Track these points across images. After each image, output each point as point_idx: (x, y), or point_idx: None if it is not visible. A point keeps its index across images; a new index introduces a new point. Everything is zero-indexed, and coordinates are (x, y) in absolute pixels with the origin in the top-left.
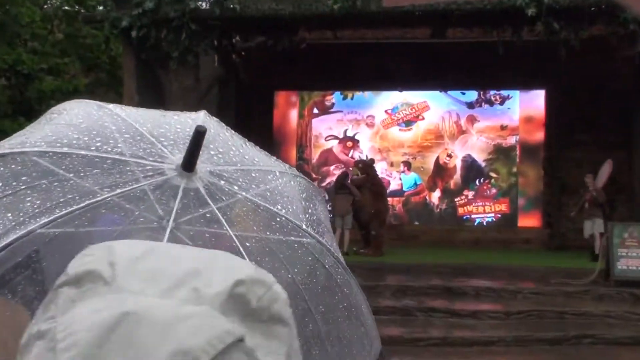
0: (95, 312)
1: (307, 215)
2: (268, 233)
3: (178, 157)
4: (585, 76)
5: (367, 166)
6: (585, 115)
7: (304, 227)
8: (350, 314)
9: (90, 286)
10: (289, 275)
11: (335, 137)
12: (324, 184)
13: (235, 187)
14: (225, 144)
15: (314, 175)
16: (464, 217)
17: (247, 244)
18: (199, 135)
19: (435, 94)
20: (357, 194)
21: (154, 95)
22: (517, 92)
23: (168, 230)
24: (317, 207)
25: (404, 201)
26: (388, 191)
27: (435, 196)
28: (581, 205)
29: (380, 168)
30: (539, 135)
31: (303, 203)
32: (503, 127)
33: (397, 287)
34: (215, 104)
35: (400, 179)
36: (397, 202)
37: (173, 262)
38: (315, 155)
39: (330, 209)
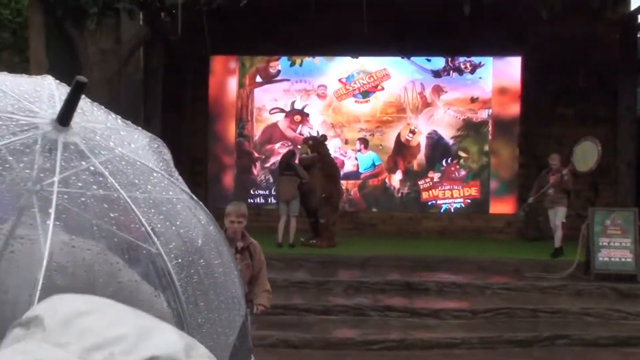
0: (15, 355)
1: (175, 173)
2: (149, 187)
3: (50, 113)
4: (567, 42)
5: (318, 144)
6: (566, 87)
7: (178, 182)
8: (225, 271)
9: (34, 330)
10: (173, 228)
11: (281, 110)
12: (267, 165)
13: (111, 143)
14: (85, 104)
15: (255, 154)
16: (429, 203)
17: (137, 197)
18: (79, 86)
19: (397, 60)
20: (305, 175)
21: (67, 60)
22: (490, 59)
23: (54, 197)
24: (172, 166)
25: (360, 184)
26: (342, 173)
27: (396, 179)
28: (544, 191)
29: (333, 146)
30: (514, 109)
31: (167, 161)
32: (474, 100)
33: (350, 283)
34: (139, 71)
35: (356, 158)
36: (352, 186)
37: (110, 324)
38: (257, 131)
39: (274, 193)
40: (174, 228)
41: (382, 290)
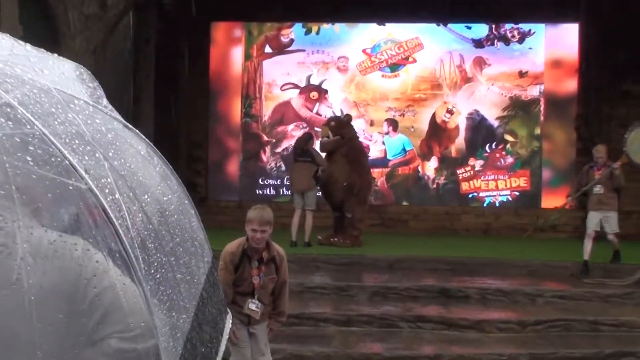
0: None
1: (103, 101)
2: (70, 116)
3: None
4: (635, 5)
5: (341, 125)
6: (634, 59)
7: (107, 110)
8: (179, 209)
9: None
10: (104, 161)
11: (295, 86)
12: (278, 150)
13: (18, 70)
14: None
15: (265, 138)
16: (469, 196)
17: (55, 128)
18: None
19: (432, 27)
20: (323, 162)
21: (44, 28)
22: (542, 26)
23: None
24: (101, 95)
25: (388, 173)
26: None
27: (430, 167)
28: (587, 189)
29: (357, 129)
30: (570, 85)
31: (92, 89)
32: (522, 74)
33: (376, 288)
34: (128, 39)
35: (384, 143)
36: (378, 175)
37: None
38: (267, 111)
39: (287, 183)
40: (105, 161)
41: (413, 298)
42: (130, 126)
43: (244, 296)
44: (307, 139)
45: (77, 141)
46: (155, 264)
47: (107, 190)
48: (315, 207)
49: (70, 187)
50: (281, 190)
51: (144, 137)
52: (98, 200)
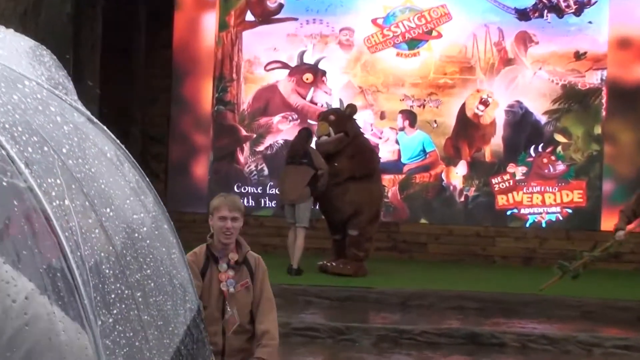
0: None
1: (65, 87)
2: (15, 97)
3: None
4: None
5: (343, 119)
6: None
7: (66, 98)
8: (154, 234)
9: None
10: (55, 156)
11: (284, 66)
12: (260, 148)
13: None
14: None
15: (243, 132)
16: (508, 213)
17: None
18: None
19: None
20: (323, 164)
21: None
22: None
23: None
24: (63, 80)
25: (403, 182)
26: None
27: (457, 174)
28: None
29: (363, 122)
30: None
31: (52, 71)
32: (579, 56)
33: (385, 332)
34: (68, 1)
35: (397, 142)
36: (389, 183)
37: None
38: (246, 97)
39: (273, 191)
40: (56, 157)
41: (433, 345)
42: (97, 122)
43: (213, 323)
44: (306, 136)
45: (20, 128)
46: (113, 296)
47: (53, 194)
48: (307, 223)
49: (4, 184)
50: (263, 201)
51: (114, 137)
52: (39, 204)
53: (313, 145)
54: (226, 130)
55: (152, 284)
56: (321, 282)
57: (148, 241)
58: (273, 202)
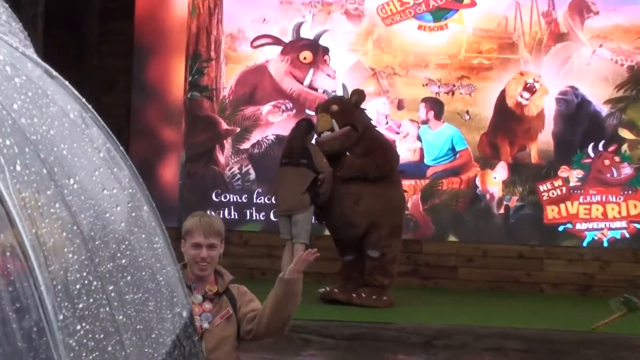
0: None
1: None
2: None
3: None
4: None
5: (348, 109)
6: None
7: (22, 47)
8: (140, 218)
9: None
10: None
11: (275, 41)
12: (244, 146)
13: None
14: None
15: (223, 126)
16: (559, 228)
17: None
18: None
19: None
20: (325, 165)
21: None
22: None
23: None
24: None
25: (427, 189)
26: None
27: (495, 179)
28: None
29: (375, 113)
30: None
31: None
32: None
33: None
34: None
35: (420, 138)
36: (409, 191)
37: None
38: (228, 82)
39: (262, 200)
40: (5, 112)
41: None
42: (57, 76)
43: None
44: (306, 130)
45: None
46: (78, 286)
47: (1, 157)
48: (307, 239)
49: None
50: (249, 213)
51: (79, 96)
52: None
53: (314, 141)
54: (202, 122)
55: (129, 278)
56: (324, 315)
57: (123, 224)
58: (262, 214)
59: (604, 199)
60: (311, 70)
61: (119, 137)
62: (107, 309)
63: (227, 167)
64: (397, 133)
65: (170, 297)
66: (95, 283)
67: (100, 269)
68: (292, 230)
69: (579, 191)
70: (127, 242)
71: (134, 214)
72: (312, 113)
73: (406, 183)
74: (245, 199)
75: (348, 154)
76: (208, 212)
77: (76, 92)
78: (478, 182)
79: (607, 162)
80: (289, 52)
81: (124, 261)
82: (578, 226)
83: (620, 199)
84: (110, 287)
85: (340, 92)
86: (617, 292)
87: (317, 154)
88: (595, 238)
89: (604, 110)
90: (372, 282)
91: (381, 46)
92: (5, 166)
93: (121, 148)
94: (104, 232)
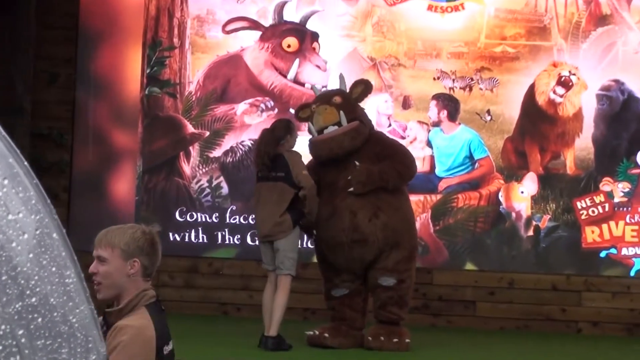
0: None
1: None
2: None
3: None
4: None
5: (351, 103)
6: None
7: None
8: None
9: None
10: None
11: (254, 25)
12: (215, 153)
13: None
14: None
15: (189, 129)
16: (600, 255)
17: None
18: None
19: None
20: (305, 179)
21: None
22: None
23: None
24: None
25: (438, 206)
26: None
27: (523, 193)
28: None
29: (376, 112)
30: None
31: None
32: None
33: None
34: None
35: (430, 144)
36: (418, 209)
37: None
38: (196, 74)
39: (237, 220)
40: None
41: None
42: None
43: None
44: (282, 131)
45: None
46: None
47: None
48: (293, 269)
49: None
50: (220, 236)
51: None
52: None
53: (311, 140)
54: (163, 125)
55: (40, 320)
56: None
57: (31, 255)
58: (236, 237)
59: None
60: (297, 61)
61: (61, 144)
62: (18, 357)
63: (193, 180)
64: (403, 138)
65: (84, 342)
66: (3, 327)
67: (8, 310)
68: (275, 259)
69: (625, 208)
70: (36, 277)
71: (43, 243)
72: (293, 111)
73: (413, 199)
74: (216, 218)
75: (357, 163)
76: (149, 226)
77: None
78: (502, 197)
79: None
80: (269, 38)
81: (33, 300)
82: (624, 251)
83: None
84: (20, 332)
85: (334, 87)
86: None
87: (296, 163)
88: None
89: None
90: (389, 317)
91: (382, 31)
92: None
93: (26, 163)
94: (10, 266)
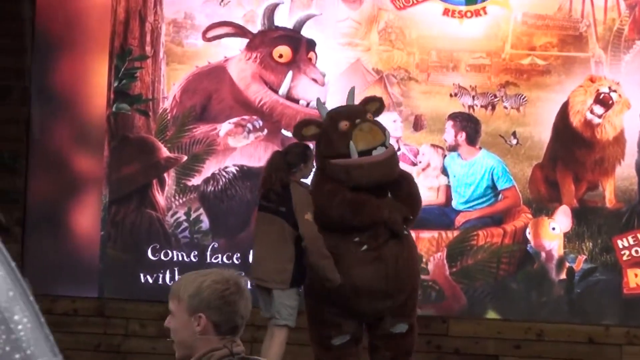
0: None
1: None
2: None
3: None
4: None
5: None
6: None
7: None
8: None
9: None
10: None
11: (239, 32)
12: (194, 181)
13: None
14: None
15: (163, 152)
16: None
17: None
18: None
19: None
20: (309, 227)
21: None
22: None
23: None
24: None
25: (455, 244)
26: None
27: (554, 229)
28: None
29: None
30: None
31: None
32: None
33: None
34: None
35: (445, 171)
36: (432, 247)
37: None
38: (172, 88)
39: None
40: None
41: None
42: None
43: None
44: (298, 157)
45: None
46: None
47: None
48: (291, 319)
49: None
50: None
51: None
52: None
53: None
54: (133, 147)
55: None
56: None
57: None
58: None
59: None
60: (290, 74)
61: (13, 170)
62: None
63: (168, 212)
64: (414, 164)
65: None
66: None
67: None
68: (272, 307)
69: None
70: None
71: None
72: (290, 134)
73: (426, 236)
74: (194, 257)
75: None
76: (230, 271)
77: None
78: (529, 234)
79: None
80: (257, 46)
81: None
82: None
83: None
84: None
85: (332, 105)
86: None
87: (300, 201)
88: None
89: None
90: None
91: (390, 39)
92: None
93: None
94: None
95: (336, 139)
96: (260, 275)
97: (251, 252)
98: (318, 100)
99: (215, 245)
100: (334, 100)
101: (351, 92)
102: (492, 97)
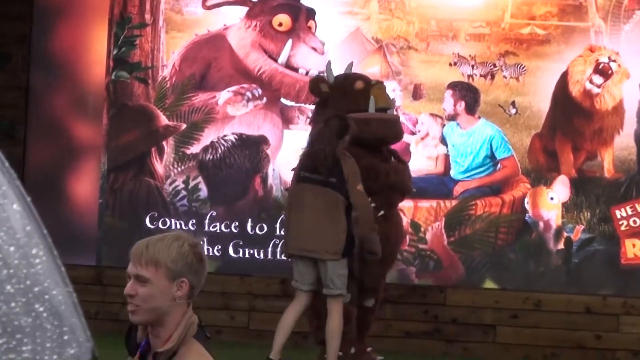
0: None
1: None
2: None
3: None
4: None
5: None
6: None
7: None
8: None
9: None
10: None
11: (237, 0)
12: (193, 149)
13: None
14: None
15: (162, 120)
16: None
17: None
18: None
19: None
20: (360, 197)
21: None
22: None
23: None
24: None
25: (453, 213)
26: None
27: (553, 198)
28: None
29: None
30: None
31: None
32: None
33: None
34: None
35: (444, 141)
36: (429, 217)
37: None
38: (171, 56)
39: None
40: None
41: None
42: None
43: None
44: (341, 129)
45: None
46: None
47: None
48: (344, 288)
49: None
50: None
51: None
52: None
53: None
54: (132, 115)
55: None
56: None
57: None
58: (217, 248)
59: None
60: (289, 42)
61: (11, 137)
62: None
63: (167, 180)
64: (413, 133)
65: (57, 334)
66: None
67: None
68: (322, 278)
69: None
70: None
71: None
72: (289, 103)
73: (425, 205)
74: (192, 226)
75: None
76: (189, 235)
77: None
78: (528, 204)
79: None
80: (257, 15)
81: None
82: None
83: None
84: None
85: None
86: None
87: (353, 173)
88: None
89: None
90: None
91: (390, 8)
92: None
93: None
94: None
95: (355, 94)
96: (311, 247)
97: (286, 224)
98: (329, 63)
99: (213, 214)
100: (333, 69)
101: (349, 67)
102: (492, 67)
